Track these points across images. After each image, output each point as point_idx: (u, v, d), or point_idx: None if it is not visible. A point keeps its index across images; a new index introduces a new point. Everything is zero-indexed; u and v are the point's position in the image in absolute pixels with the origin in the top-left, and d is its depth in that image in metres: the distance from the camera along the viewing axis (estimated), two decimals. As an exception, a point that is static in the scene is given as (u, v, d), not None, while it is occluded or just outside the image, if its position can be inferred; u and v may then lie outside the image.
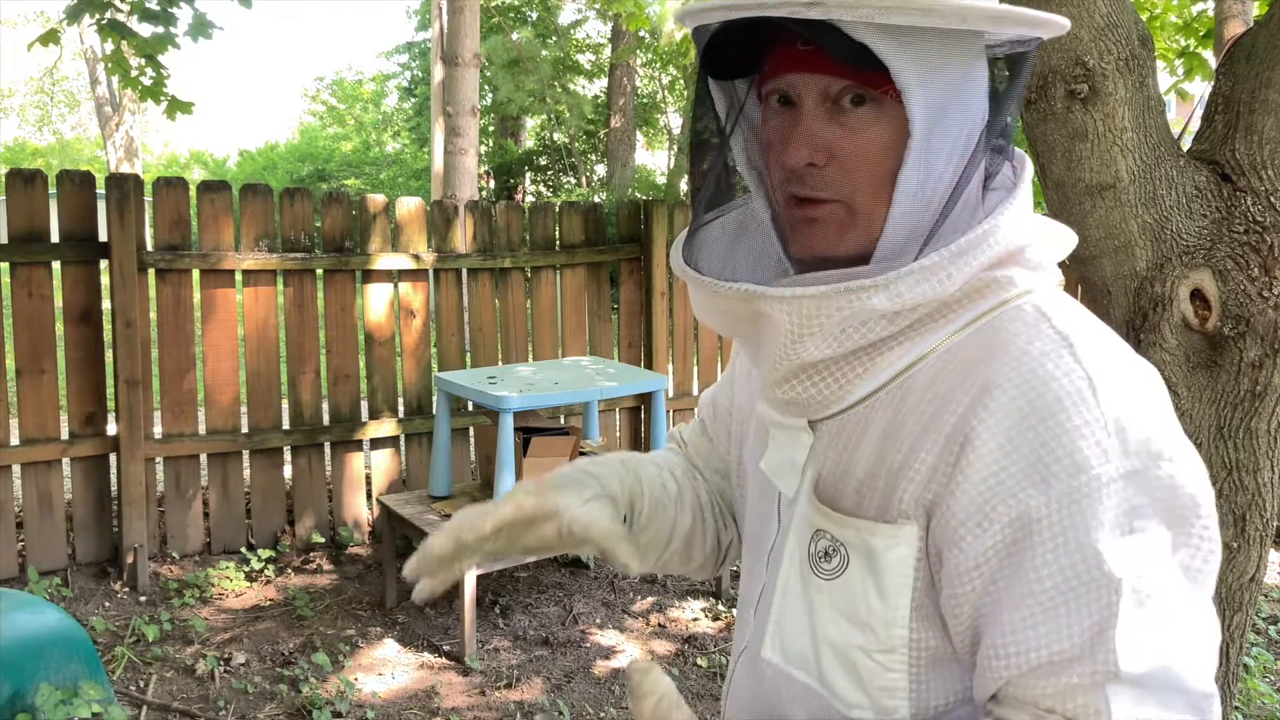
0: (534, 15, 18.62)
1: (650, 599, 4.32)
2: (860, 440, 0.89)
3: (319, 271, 4.67)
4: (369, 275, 4.76)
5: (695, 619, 4.16)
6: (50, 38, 5.16)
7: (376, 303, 4.79)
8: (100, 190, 4.24)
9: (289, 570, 4.45)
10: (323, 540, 4.67)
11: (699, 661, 3.80)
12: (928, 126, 0.83)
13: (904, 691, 0.87)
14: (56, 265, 4.18)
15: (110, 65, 5.36)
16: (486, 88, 17.86)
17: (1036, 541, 0.77)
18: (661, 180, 20.26)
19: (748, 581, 1.03)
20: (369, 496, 4.83)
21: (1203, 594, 0.80)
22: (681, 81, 18.83)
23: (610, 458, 1.07)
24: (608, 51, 18.60)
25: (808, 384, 0.88)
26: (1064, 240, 0.93)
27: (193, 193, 4.47)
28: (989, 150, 0.87)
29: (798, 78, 0.86)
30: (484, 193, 17.93)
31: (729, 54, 0.89)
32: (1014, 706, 0.81)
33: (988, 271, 0.85)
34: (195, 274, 4.42)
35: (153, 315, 4.48)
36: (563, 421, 5.04)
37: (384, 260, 4.75)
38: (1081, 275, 1.94)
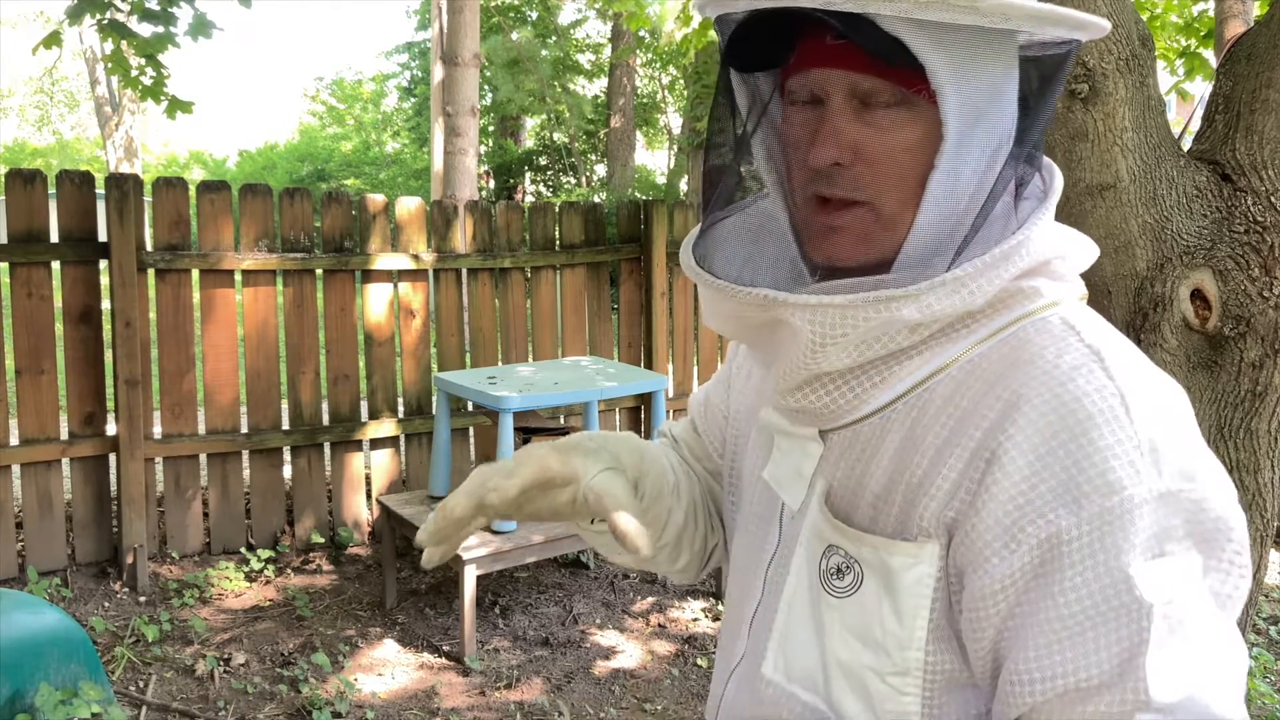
0: (534, 15, 18.62)
1: (650, 599, 4.32)
2: (876, 453, 0.85)
3: (319, 271, 4.67)
4: (369, 275, 4.76)
5: (695, 619, 4.16)
6: (53, 40, 5.16)
7: (376, 303, 4.79)
8: (100, 190, 4.24)
9: (289, 570, 4.45)
10: (322, 540, 4.67)
11: (699, 661, 3.80)
12: (961, 129, 0.80)
13: (916, 716, 0.84)
14: (56, 265, 4.18)
15: (111, 65, 5.36)
16: (486, 88, 17.86)
17: (1066, 564, 0.74)
18: (661, 180, 20.27)
19: (740, 594, 0.99)
20: (369, 496, 4.82)
21: (1231, 621, 0.76)
22: (681, 82, 18.83)
23: (617, 434, 1.03)
24: (608, 51, 18.59)
25: (822, 393, 0.85)
26: (1087, 251, 0.90)
27: (192, 193, 4.47)
28: (1022, 157, 0.84)
29: (826, 73, 0.82)
30: (484, 193, 17.93)
31: (753, 45, 0.85)
32: None
33: (1013, 281, 0.83)
34: (195, 274, 4.42)
35: (152, 315, 4.48)
36: (563, 421, 5.04)
37: (384, 260, 4.75)
38: (1082, 275, 1.94)
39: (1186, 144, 1.93)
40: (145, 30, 5.20)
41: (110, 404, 4.31)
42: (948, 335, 0.83)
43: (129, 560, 4.18)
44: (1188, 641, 0.73)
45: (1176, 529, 0.74)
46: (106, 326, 4.30)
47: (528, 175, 19.72)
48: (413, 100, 22.94)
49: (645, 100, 20.14)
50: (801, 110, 0.85)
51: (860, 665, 0.84)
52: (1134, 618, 0.72)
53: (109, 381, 4.28)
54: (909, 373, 0.83)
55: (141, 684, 3.48)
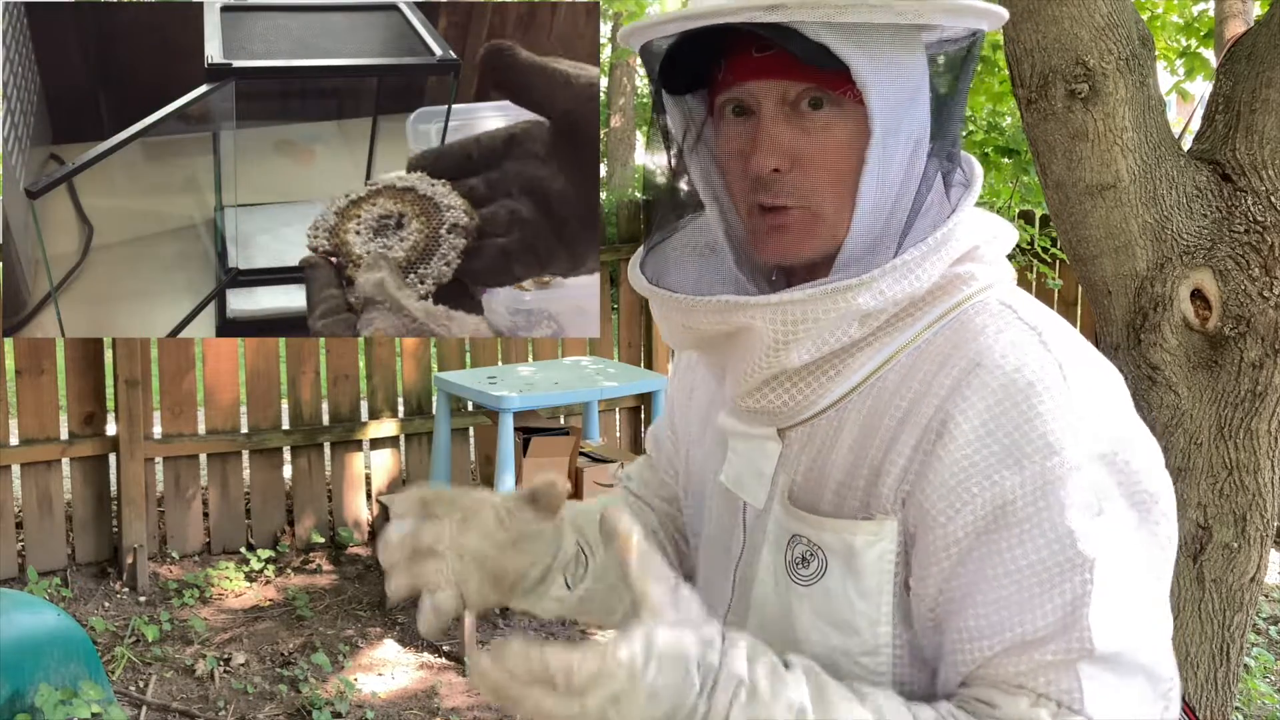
0: (534, 15, 18.60)
1: (650, 599, 4.32)
2: (835, 443, 0.88)
3: (319, 271, 4.66)
4: (369, 275, 4.75)
5: (695, 619, 4.15)
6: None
7: (376, 303, 4.78)
8: (100, 190, 4.24)
9: (289, 570, 4.45)
10: (322, 540, 4.67)
11: (699, 662, 3.79)
12: (887, 125, 0.83)
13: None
14: (56, 265, 4.17)
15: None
16: (487, 88, 17.83)
17: (1012, 522, 0.78)
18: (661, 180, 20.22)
19: (709, 598, 0.99)
20: (369, 496, 4.82)
21: (1161, 584, 0.82)
22: (682, 81, 18.74)
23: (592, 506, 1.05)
24: (608, 51, 18.60)
25: (780, 391, 0.87)
26: (1007, 235, 0.95)
27: (192, 193, 4.47)
28: (945, 147, 0.88)
29: (755, 85, 0.85)
30: (484, 193, 17.89)
31: (682, 67, 0.88)
32: (983, 687, 0.81)
33: (950, 268, 0.87)
34: (195, 274, 4.42)
35: (152, 315, 4.47)
36: (563, 421, 5.04)
37: (384, 260, 4.74)
38: (1082, 275, 1.94)
39: (1186, 144, 1.93)
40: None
41: (110, 404, 4.31)
42: (895, 325, 0.86)
43: (129, 560, 4.18)
44: (1126, 595, 0.78)
45: (1112, 489, 0.79)
46: (106, 326, 4.29)
47: (528, 175, 19.69)
48: (413, 100, 22.93)
49: (645, 100, 20.15)
50: (736, 123, 0.88)
51: (831, 649, 0.87)
52: (1077, 571, 0.77)
53: (109, 381, 4.28)
54: (861, 364, 0.87)
55: (141, 684, 3.48)
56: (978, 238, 0.89)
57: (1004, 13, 0.87)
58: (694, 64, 0.88)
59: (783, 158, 0.85)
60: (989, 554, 0.79)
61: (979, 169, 0.92)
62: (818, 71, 0.82)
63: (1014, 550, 0.78)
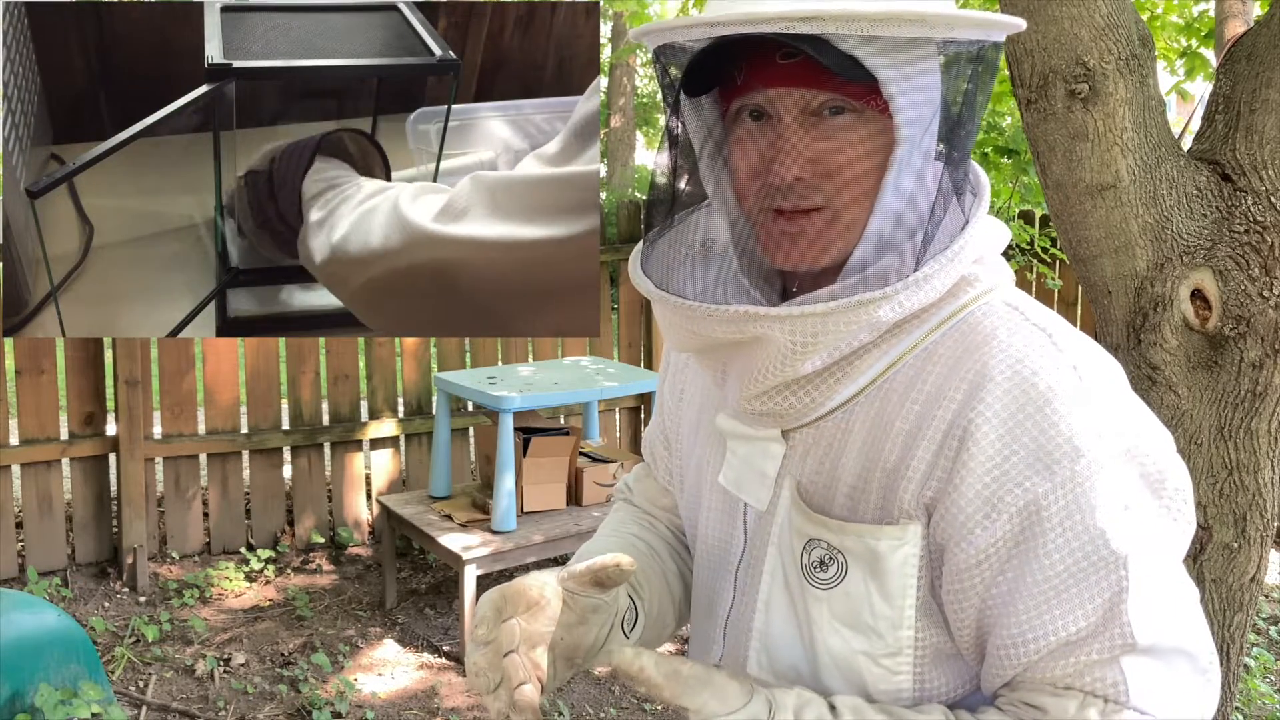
0: (534, 15, 18.58)
1: (650, 599, 4.32)
2: (844, 445, 0.88)
3: (319, 271, 4.66)
4: (369, 275, 4.75)
5: (695, 619, 4.15)
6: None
7: (376, 303, 4.78)
8: (100, 190, 4.24)
9: (289, 570, 4.45)
10: (322, 540, 4.67)
11: (699, 662, 3.79)
12: (912, 135, 0.83)
13: (908, 693, 0.87)
14: (56, 265, 4.17)
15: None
16: (486, 88, 17.82)
17: (1046, 528, 0.79)
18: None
19: (708, 599, 1.01)
20: (369, 496, 4.82)
21: (1179, 562, 0.84)
22: (681, 81, 18.70)
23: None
24: (608, 51, 18.60)
25: (788, 394, 0.87)
26: (1003, 235, 0.95)
27: (192, 193, 4.47)
28: (964, 157, 0.88)
29: (778, 92, 0.84)
30: (484, 193, 17.87)
31: (703, 70, 0.87)
32: (1029, 690, 0.82)
33: None
34: (195, 274, 4.42)
35: (152, 315, 4.47)
36: (563, 421, 5.04)
37: (384, 260, 4.74)
38: (1082, 275, 1.94)
39: (1186, 144, 1.93)
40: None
41: (110, 404, 4.31)
42: (901, 328, 0.86)
43: (129, 560, 4.18)
44: (1158, 584, 0.80)
45: (1135, 481, 0.81)
46: (106, 326, 4.29)
47: (528, 175, 19.66)
48: (413, 100, 22.91)
49: (645, 100, 20.14)
50: (755, 128, 0.87)
51: (852, 652, 0.87)
52: (1112, 569, 0.79)
53: (109, 381, 4.29)
54: (869, 366, 0.87)
55: (141, 684, 3.48)
56: (986, 242, 0.89)
57: (1022, 23, 0.87)
58: (712, 66, 0.87)
59: (806, 166, 0.84)
60: (1026, 560, 0.80)
61: (984, 176, 0.93)
62: (842, 81, 0.81)
63: (1050, 555, 0.79)
